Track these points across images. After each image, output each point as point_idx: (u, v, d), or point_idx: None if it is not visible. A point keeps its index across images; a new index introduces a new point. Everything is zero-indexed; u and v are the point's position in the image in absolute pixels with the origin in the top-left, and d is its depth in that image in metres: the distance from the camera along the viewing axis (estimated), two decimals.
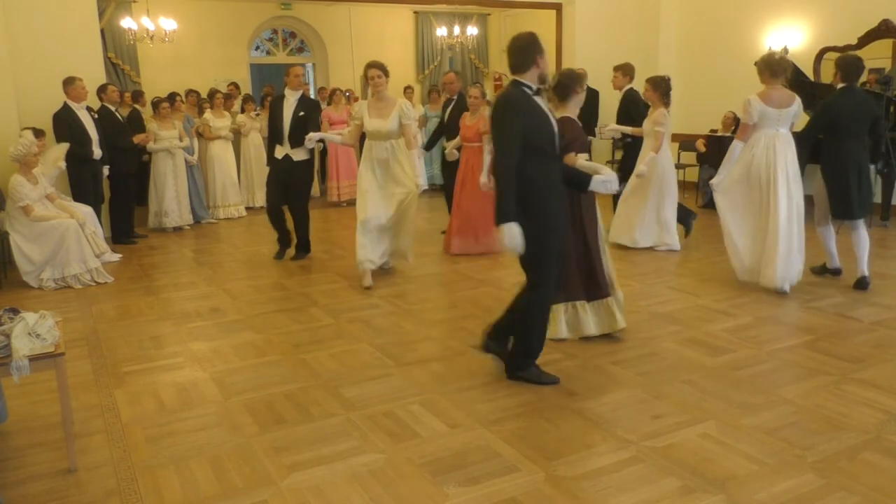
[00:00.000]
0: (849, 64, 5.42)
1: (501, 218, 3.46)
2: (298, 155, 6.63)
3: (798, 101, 5.34)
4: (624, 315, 4.51)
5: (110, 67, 11.44)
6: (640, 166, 6.57)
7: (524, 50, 3.61)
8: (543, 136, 3.60)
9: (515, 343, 3.87)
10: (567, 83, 4.29)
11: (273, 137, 6.75)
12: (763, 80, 5.32)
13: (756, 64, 5.39)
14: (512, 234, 3.44)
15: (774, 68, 5.23)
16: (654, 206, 6.80)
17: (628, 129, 7.00)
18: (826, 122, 5.40)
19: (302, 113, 6.55)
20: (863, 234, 5.43)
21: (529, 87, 3.63)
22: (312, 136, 6.31)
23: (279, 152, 6.66)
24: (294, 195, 6.80)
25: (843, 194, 5.38)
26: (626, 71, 7.36)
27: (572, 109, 4.36)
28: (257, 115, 10.21)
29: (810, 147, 5.66)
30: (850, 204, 5.37)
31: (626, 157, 7.30)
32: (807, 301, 5.18)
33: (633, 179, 6.71)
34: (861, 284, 5.45)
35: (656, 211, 6.82)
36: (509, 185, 3.48)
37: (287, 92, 6.69)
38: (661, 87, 6.49)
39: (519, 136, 3.49)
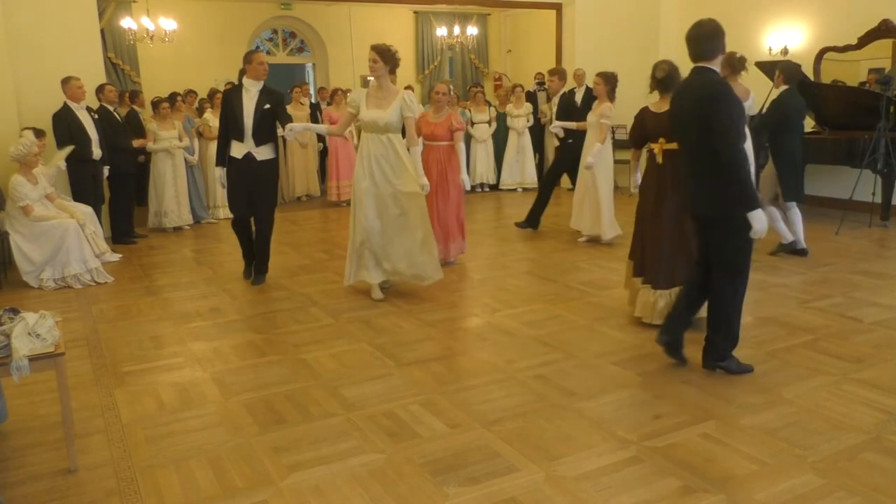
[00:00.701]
0: (791, 68, 6.44)
1: (752, 204, 3.53)
2: (263, 153, 5.75)
3: (752, 95, 6.16)
4: None
5: (110, 67, 11.45)
6: (588, 158, 6.85)
7: (714, 37, 3.67)
8: (744, 121, 3.73)
9: (715, 332, 3.89)
10: (677, 76, 4.53)
11: (230, 133, 5.74)
12: (724, 77, 5.98)
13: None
14: (763, 219, 3.56)
15: (735, 65, 5.88)
16: (609, 197, 7.09)
17: (573, 125, 7.41)
18: (777, 119, 6.31)
19: (268, 105, 5.67)
20: (798, 213, 6.44)
21: (717, 73, 3.72)
22: (294, 127, 5.58)
23: (238, 150, 5.72)
24: (260, 201, 5.84)
25: (795, 181, 6.36)
26: (561, 75, 7.98)
27: None
28: None
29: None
30: (800, 189, 6.40)
31: (563, 155, 7.74)
32: (807, 301, 5.18)
33: (584, 172, 7.04)
34: (804, 252, 6.42)
35: (610, 202, 7.12)
36: (748, 171, 3.61)
37: (246, 82, 5.70)
38: (611, 81, 6.82)
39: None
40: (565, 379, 3.89)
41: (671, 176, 4.45)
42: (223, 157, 5.85)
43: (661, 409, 3.51)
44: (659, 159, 4.55)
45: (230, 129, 5.74)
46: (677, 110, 3.87)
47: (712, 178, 3.64)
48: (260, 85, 5.69)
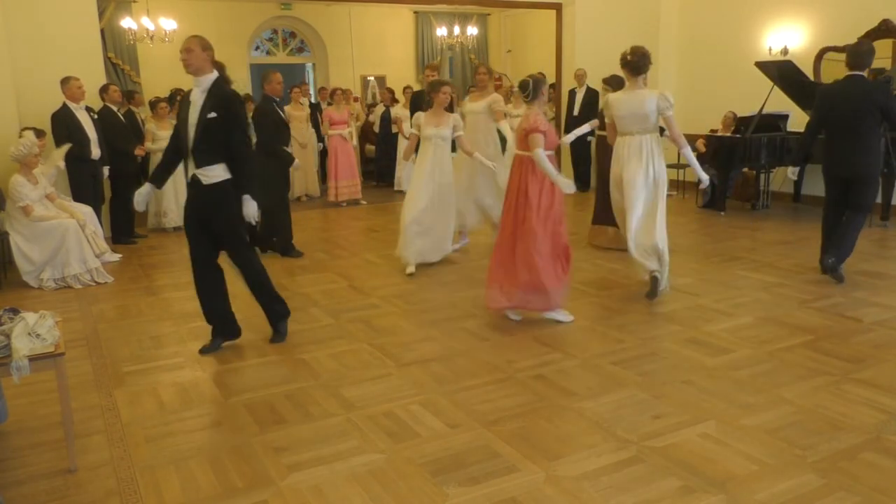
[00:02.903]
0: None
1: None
2: (209, 176, 4.21)
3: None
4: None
5: (110, 67, 11.45)
6: (479, 156, 6.50)
7: (872, 54, 5.40)
8: None
9: (845, 252, 5.53)
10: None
11: (182, 151, 4.30)
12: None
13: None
14: None
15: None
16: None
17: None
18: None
19: (213, 114, 4.11)
20: None
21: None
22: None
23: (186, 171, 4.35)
24: (225, 237, 4.38)
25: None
26: (440, 71, 8.34)
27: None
28: None
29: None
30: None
31: None
32: (807, 301, 5.18)
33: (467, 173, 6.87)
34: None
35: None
36: None
37: (194, 81, 4.22)
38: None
39: None
40: (565, 379, 3.89)
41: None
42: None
43: (661, 409, 3.51)
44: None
45: (179, 145, 4.35)
46: (844, 104, 5.34)
47: (874, 151, 5.40)
48: (208, 83, 4.19)
